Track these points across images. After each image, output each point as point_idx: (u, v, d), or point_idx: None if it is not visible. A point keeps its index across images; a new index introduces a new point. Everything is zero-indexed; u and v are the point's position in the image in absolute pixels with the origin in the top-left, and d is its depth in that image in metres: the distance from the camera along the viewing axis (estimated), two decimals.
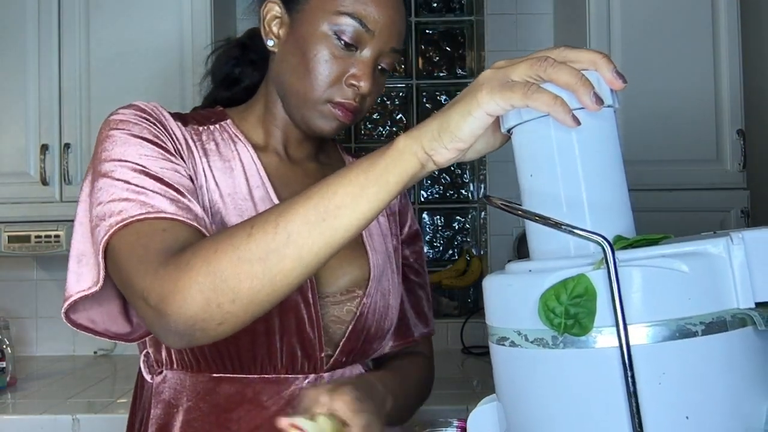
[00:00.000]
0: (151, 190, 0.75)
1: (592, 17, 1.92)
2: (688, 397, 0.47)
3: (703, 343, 0.47)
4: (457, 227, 2.56)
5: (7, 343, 1.92)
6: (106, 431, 1.62)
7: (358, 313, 0.92)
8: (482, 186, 2.42)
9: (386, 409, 0.85)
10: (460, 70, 2.58)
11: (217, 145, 0.90)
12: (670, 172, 1.88)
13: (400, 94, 2.58)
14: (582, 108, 0.53)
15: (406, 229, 1.10)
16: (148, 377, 0.91)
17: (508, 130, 0.59)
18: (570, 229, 0.50)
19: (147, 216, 0.73)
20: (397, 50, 0.89)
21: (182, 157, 0.84)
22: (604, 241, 0.47)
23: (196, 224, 0.75)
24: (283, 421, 0.73)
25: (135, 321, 0.87)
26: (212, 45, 1.06)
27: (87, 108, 2.02)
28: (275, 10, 0.90)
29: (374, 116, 2.56)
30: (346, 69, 0.86)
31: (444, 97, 2.57)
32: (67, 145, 2.01)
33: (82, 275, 0.78)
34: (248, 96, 0.99)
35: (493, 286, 0.56)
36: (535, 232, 0.57)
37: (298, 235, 0.64)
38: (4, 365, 1.86)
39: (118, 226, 0.73)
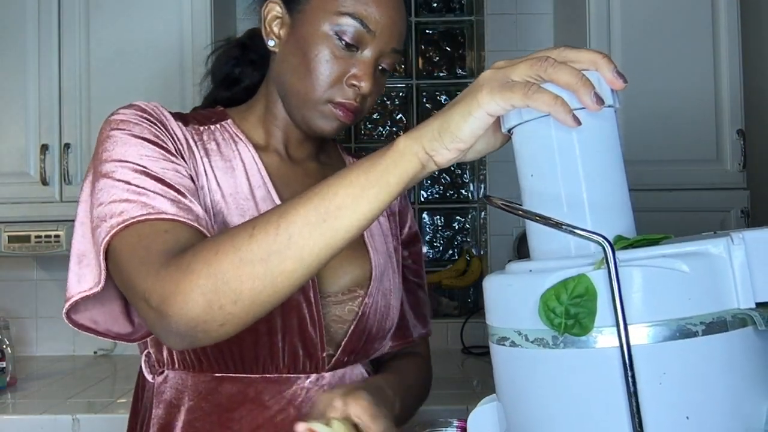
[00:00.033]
0: (152, 191, 0.75)
1: (592, 17, 1.92)
2: (688, 397, 0.47)
3: (704, 343, 0.47)
4: (457, 227, 2.56)
5: (7, 343, 1.92)
6: (106, 431, 1.62)
7: (360, 313, 0.92)
8: (482, 186, 2.42)
9: (395, 412, 0.85)
10: (460, 70, 2.58)
11: (218, 144, 0.90)
12: (670, 172, 1.89)
13: (400, 94, 2.58)
14: (582, 108, 0.53)
15: (406, 229, 1.10)
16: (149, 377, 0.91)
17: (509, 130, 0.59)
18: (570, 229, 0.50)
19: (148, 217, 0.73)
20: (398, 51, 0.89)
21: (183, 157, 0.84)
22: (605, 241, 0.47)
23: (197, 225, 0.75)
24: (301, 426, 0.73)
25: (136, 321, 0.87)
26: (212, 45, 1.06)
27: (87, 108, 2.02)
28: (276, 10, 0.90)
29: (374, 116, 2.56)
30: (346, 69, 0.86)
31: (444, 97, 2.57)
32: (67, 145, 2.01)
33: (83, 276, 0.78)
34: (248, 96, 0.99)
35: (493, 286, 0.56)
36: (536, 232, 0.57)
37: (300, 236, 0.64)
38: (4, 365, 1.86)
39: (119, 227, 0.73)
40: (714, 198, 1.90)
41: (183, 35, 2.01)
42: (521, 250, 2.29)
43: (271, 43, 0.91)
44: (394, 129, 2.58)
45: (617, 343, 0.46)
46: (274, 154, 0.95)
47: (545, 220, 0.51)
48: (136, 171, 0.77)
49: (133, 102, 0.85)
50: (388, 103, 2.57)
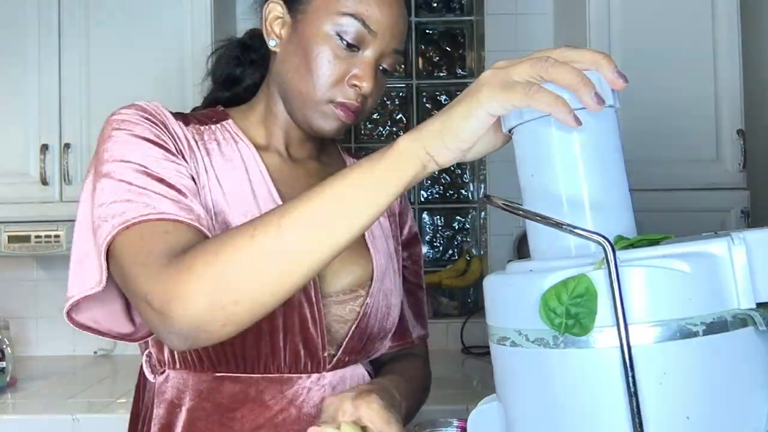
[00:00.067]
0: (153, 191, 0.75)
1: (592, 17, 1.92)
2: (688, 397, 0.47)
3: (704, 344, 0.47)
4: (457, 227, 2.56)
5: (7, 343, 1.92)
6: (106, 431, 1.62)
7: (361, 313, 0.92)
8: (482, 186, 2.42)
9: (402, 415, 0.85)
10: (460, 70, 2.58)
11: (218, 144, 0.90)
12: (670, 172, 1.89)
13: (400, 94, 2.58)
14: (583, 108, 0.53)
15: (406, 230, 1.10)
16: (150, 377, 0.91)
17: (509, 130, 0.59)
18: (571, 229, 0.50)
19: (149, 217, 0.73)
20: (399, 51, 0.89)
21: (184, 157, 0.84)
22: (605, 241, 0.47)
23: (198, 225, 0.75)
24: (314, 430, 0.73)
25: (137, 321, 0.87)
26: (212, 45, 1.06)
27: (87, 108, 2.02)
28: (277, 10, 0.90)
29: (374, 116, 2.56)
30: (348, 69, 0.86)
31: (444, 97, 2.57)
32: (67, 145, 2.01)
33: (84, 276, 0.78)
34: (249, 96, 0.99)
35: (493, 286, 0.56)
36: (536, 232, 0.57)
37: (300, 237, 0.64)
38: (4, 365, 1.87)
39: (120, 227, 0.73)
40: (714, 198, 1.90)
41: (183, 35, 2.01)
42: (521, 250, 2.29)
43: (272, 43, 0.91)
44: (394, 129, 2.58)
45: (617, 343, 0.46)
46: (275, 153, 0.95)
47: (545, 220, 0.51)
48: (137, 171, 0.77)
49: (134, 102, 0.85)
50: (388, 103, 2.57)
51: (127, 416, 0.98)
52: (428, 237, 2.55)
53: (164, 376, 0.89)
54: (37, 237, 2.00)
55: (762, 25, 2.08)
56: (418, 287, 1.12)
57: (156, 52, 2.01)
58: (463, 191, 2.56)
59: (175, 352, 0.87)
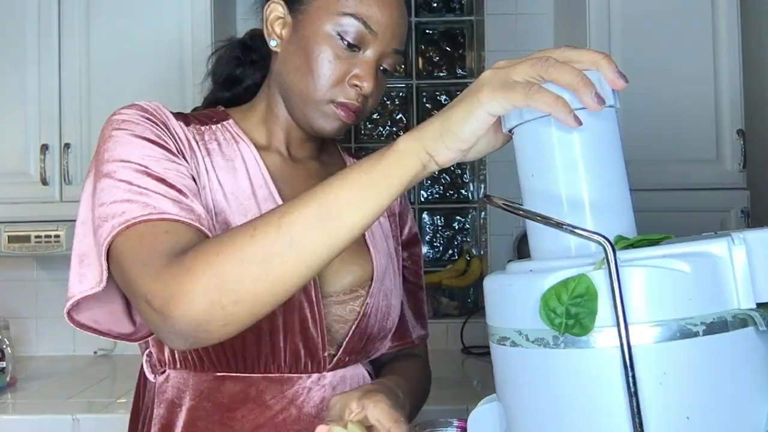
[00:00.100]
0: (153, 191, 0.75)
1: (592, 17, 1.92)
2: (689, 397, 0.47)
3: (704, 344, 0.47)
4: (457, 227, 2.56)
5: (7, 343, 1.92)
6: (106, 431, 1.62)
7: (361, 313, 0.92)
8: (482, 186, 2.42)
9: (406, 414, 0.85)
10: (460, 70, 2.58)
11: (219, 144, 0.90)
12: (670, 172, 1.89)
13: (400, 94, 2.58)
14: (583, 108, 0.53)
15: (406, 231, 1.11)
16: (151, 377, 0.91)
17: (510, 130, 0.59)
18: (571, 229, 0.50)
19: (150, 217, 0.73)
20: (399, 51, 0.89)
21: (185, 157, 0.84)
22: (605, 241, 0.47)
23: (198, 225, 0.75)
24: (321, 429, 0.73)
25: (138, 321, 0.88)
26: (213, 45, 1.06)
27: (87, 108, 2.02)
28: (278, 10, 0.90)
29: (374, 116, 2.56)
30: (348, 69, 0.86)
31: (444, 97, 2.57)
32: (67, 145, 2.01)
33: (85, 275, 0.78)
34: (249, 96, 0.99)
35: (493, 286, 0.56)
36: (536, 232, 0.57)
37: (301, 237, 0.64)
38: (4, 365, 1.87)
39: (120, 227, 0.73)
40: (714, 198, 1.90)
41: (183, 35, 2.01)
42: (521, 250, 2.29)
43: (273, 44, 0.91)
44: (394, 129, 2.58)
45: (618, 343, 0.46)
46: (276, 153, 0.95)
47: (546, 220, 0.51)
48: (137, 171, 0.77)
49: (135, 102, 0.85)
50: (388, 103, 2.57)
51: (127, 416, 0.98)
52: (428, 237, 2.55)
53: (165, 375, 0.89)
54: (37, 237, 2.00)
55: (762, 25, 2.08)
56: (418, 287, 1.12)
57: (156, 52, 2.00)
58: (463, 191, 2.56)
59: (176, 352, 0.87)
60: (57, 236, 2.00)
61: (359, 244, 0.96)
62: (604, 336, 0.47)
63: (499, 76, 0.57)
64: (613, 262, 0.46)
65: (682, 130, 1.90)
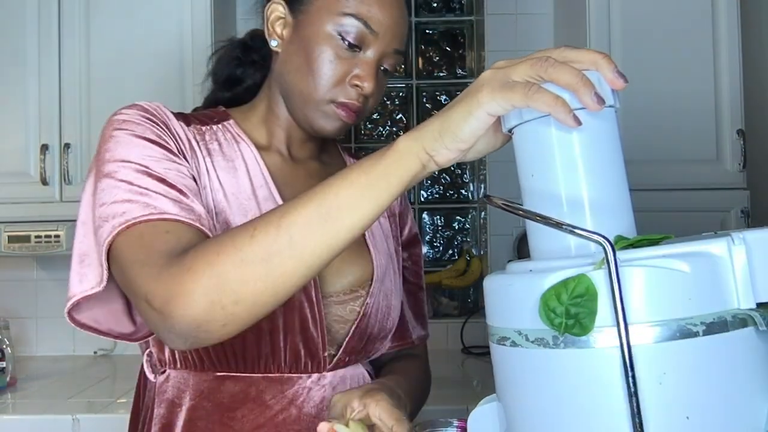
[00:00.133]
0: (154, 191, 0.75)
1: (592, 17, 1.92)
2: (688, 397, 0.47)
3: (704, 344, 0.47)
4: (457, 227, 2.56)
5: (7, 343, 1.92)
6: (106, 431, 1.62)
7: (361, 313, 0.92)
8: (482, 186, 2.42)
9: (407, 414, 0.85)
10: (460, 70, 2.58)
11: (220, 145, 0.90)
12: (670, 172, 1.89)
13: (400, 94, 2.58)
14: (583, 108, 0.53)
15: (406, 231, 1.11)
16: (151, 376, 0.91)
17: (509, 130, 0.59)
18: (571, 228, 0.50)
19: (150, 217, 0.73)
20: (400, 51, 0.89)
21: (185, 157, 0.84)
22: (605, 241, 0.47)
23: (198, 225, 0.75)
24: (323, 426, 0.73)
25: (138, 321, 0.88)
26: (213, 45, 1.06)
27: (87, 108, 2.02)
28: (279, 10, 0.90)
29: (374, 116, 2.56)
30: (349, 69, 0.86)
31: (444, 97, 2.57)
32: (67, 145, 2.01)
33: (85, 275, 0.78)
34: (249, 97, 0.99)
35: (493, 286, 0.56)
36: (536, 232, 0.57)
37: (300, 237, 0.64)
38: (4, 365, 1.87)
39: (121, 227, 0.73)
40: (714, 198, 1.90)
41: (183, 35, 2.01)
42: (521, 250, 2.29)
43: (273, 44, 0.91)
44: (394, 129, 2.58)
45: (617, 343, 0.46)
46: (276, 154, 0.95)
47: (545, 220, 0.51)
48: (138, 171, 0.77)
49: (136, 102, 0.85)
50: (388, 103, 2.57)
51: (127, 416, 0.98)
52: (428, 237, 2.55)
53: (165, 375, 0.89)
54: (37, 237, 2.00)
55: (762, 25, 2.08)
56: (419, 288, 1.12)
57: (156, 52, 2.00)
58: (463, 191, 2.56)
59: (176, 352, 0.87)
60: (57, 236, 2.00)
61: (359, 245, 0.96)
62: (603, 336, 0.47)
63: (498, 77, 0.57)
64: (613, 262, 0.46)
65: (682, 130, 1.90)
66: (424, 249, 2.51)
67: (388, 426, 0.75)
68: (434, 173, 2.15)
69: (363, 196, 0.63)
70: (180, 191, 0.77)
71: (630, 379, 0.46)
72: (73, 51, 2.01)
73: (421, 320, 1.11)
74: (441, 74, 2.58)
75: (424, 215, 2.55)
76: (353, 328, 0.92)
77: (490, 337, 0.56)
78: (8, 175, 2.01)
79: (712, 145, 1.91)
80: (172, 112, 0.88)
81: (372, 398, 0.76)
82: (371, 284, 0.94)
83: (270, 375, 0.87)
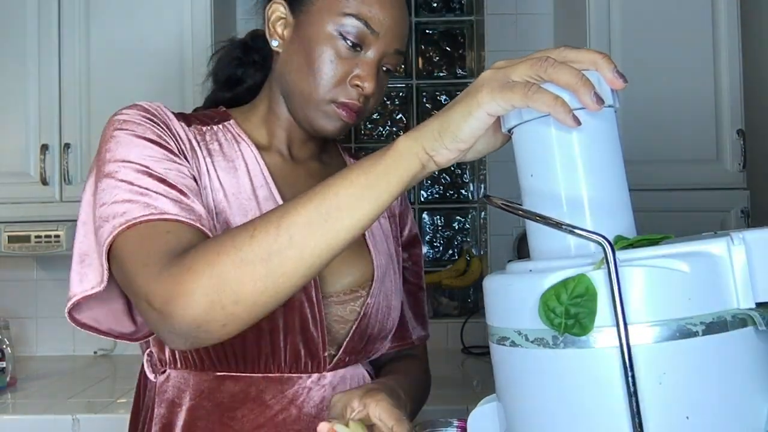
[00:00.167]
0: (154, 192, 0.75)
1: (592, 17, 1.92)
2: (688, 397, 0.47)
3: (704, 344, 0.47)
4: (457, 227, 2.56)
5: (7, 343, 1.92)
6: (106, 431, 1.62)
7: (362, 313, 0.92)
8: (482, 186, 2.42)
9: (407, 414, 0.85)
10: (460, 70, 2.58)
11: (220, 145, 0.90)
12: (670, 172, 1.89)
13: (400, 94, 2.58)
14: (582, 108, 0.53)
15: (406, 231, 1.11)
16: (151, 376, 0.91)
17: (509, 130, 0.59)
18: (570, 228, 0.50)
19: (150, 218, 0.73)
20: (401, 51, 0.89)
21: (186, 158, 0.84)
22: (605, 241, 0.47)
23: (199, 225, 0.75)
24: (323, 426, 0.73)
25: (139, 320, 0.88)
26: (213, 46, 1.06)
27: (87, 108, 2.02)
28: (280, 10, 0.90)
29: (374, 116, 2.56)
30: (350, 69, 0.86)
31: (444, 97, 2.57)
32: (67, 145, 2.01)
33: (86, 275, 0.78)
34: (250, 97, 0.99)
35: (493, 286, 0.56)
36: (536, 232, 0.57)
37: (300, 237, 0.64)
38: (4, 365, 1.87)
39: (121, 227, 0.73)
40: (714, 198, 1.90)
41: (183, 35, 2.01)
42: (521, 250, 2.29)
43: (274, 44, 0.91)
44: (394, 129, 2.58)
45: (617, 343, 0.46)
46: (277, 154, 0.95)
47: (545, 220, 0.51)
48: (138, 171, 0.77)
49: (136, 102, 0.86)
50: (388, 103, 2.57)
51: (127, 416, 0.98)
52: (428, 237, 2.55)
53: (165, 375, 0.89)
54: (37, 237, 2.00)
55: (762, 25, 2.08)
56: (419, 288, 1.12)
57: (156, 52, 2.01)
58: (463, 191, 2.56)
59: (176, 352, 0.87)
60: (57, 236, 2.00)
61: (359, 245, 0.96)
62: (603, 336, 0.47)
63: (498, 77, 0.57)
64: (613, 262, 0.46)
65: (682, 130, 1.90)
66: (424, 249, 2.51)
67: (388, 426, 0.75)
68: (434, 173, 2.15)
69: (363, 196, 0.63)
70: (180, 191, 0.77)
71: (630, 379, 0.46)
72: (73, 51, 2.01)
73: (421, 320, 1.11)
74: (441, 74, 2.58)
75: (424, 215, 2.55)
76: (353, 328, 0.92)
77: (490, 337, 0.56)
78: (8, 175, 2.01)
79: (712, 145, 1.91)
80: (173, 113, 0.88)
81: (372, 398, 0.76)
82: (371, 284, 0.94)
83: (270, 375, 0.87)
